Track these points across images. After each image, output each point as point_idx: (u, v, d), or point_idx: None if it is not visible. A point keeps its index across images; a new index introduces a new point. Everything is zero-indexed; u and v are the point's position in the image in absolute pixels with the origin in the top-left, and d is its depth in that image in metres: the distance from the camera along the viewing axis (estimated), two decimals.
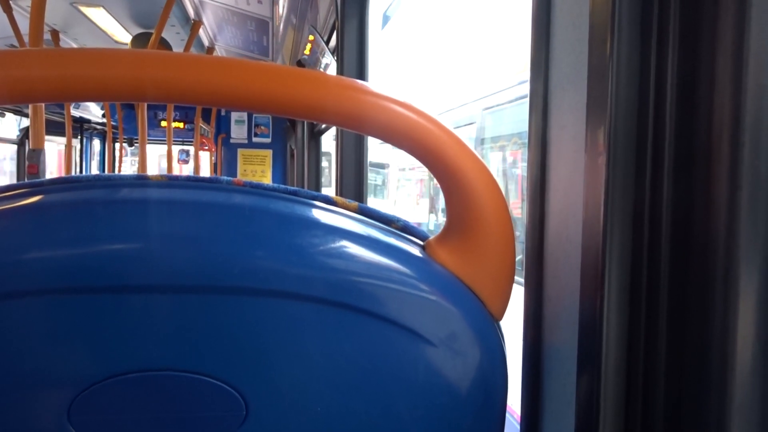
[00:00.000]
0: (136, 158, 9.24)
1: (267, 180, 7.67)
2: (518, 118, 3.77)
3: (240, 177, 7.60)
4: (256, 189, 0.56)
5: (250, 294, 0.49)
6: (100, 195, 0.53)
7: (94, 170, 9.56)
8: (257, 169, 7.61)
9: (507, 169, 4.09)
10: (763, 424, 0.40)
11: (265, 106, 0.49)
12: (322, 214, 0.55)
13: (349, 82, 0.50)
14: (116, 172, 8.06)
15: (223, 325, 0.49)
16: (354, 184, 1.99)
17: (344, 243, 0.52)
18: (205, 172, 8.66)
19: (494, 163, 4.03)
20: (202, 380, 0.48)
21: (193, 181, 0.56)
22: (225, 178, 0.57)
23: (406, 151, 0.53)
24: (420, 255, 0.55)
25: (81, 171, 9.14)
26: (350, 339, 0.51)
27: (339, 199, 0.58)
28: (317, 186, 4.46)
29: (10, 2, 4.02)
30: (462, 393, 0.54)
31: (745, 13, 0.38)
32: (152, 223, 0.50)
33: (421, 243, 0.57)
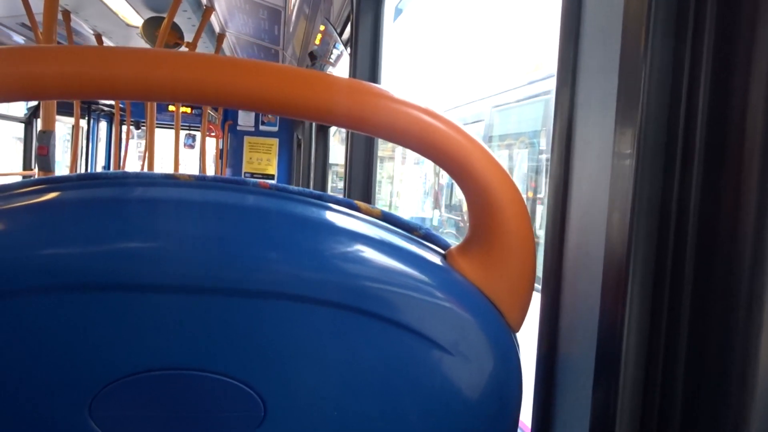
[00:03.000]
0: (143, 141, 9.24)
1: (272, 169, 7.67)
2: (527, 117, 3.77)
3: (245, 164, 7.61)
4: (282, 192, 0.56)
5: (270, 297, 0.49)
6: (126, 193, 0.53)
7: (101, 152, 9.55)
8: (263, 157, 7.61)
9: (514, 167, 4.09)
10: None
11: (277, 107, 0.48)
12: (345, 220, 0.55)
13: (369, 86, 0.50)
14: (122, 154, 8.06)
15: (244, 327, 0.49)
16: (363, 184, 1.99)
17: (366, 249, 0.52)
18: (211, 157, 8.66)
19: (503, 159, 4.04)
20: (222, 380, 0.49)
21: (221, 182, 0.56)
22: (252, 180, 0.57)
23: (429, 158, 0.53)
24: (440, 264, 0.55)
25: (87, 153, 9.14)
26: (367, 344, 0.51)
27: (363, 204, 0.58)
28: (323, 179, 4.46)
29: None
30: (476, 402, 0.54)
31: None
32: (177, 224, 0.50)
33: (442, 252, 0.57)
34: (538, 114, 3.47)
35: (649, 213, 0.46)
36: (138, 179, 0.54)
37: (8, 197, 0.51)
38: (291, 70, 0.49)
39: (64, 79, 0.46)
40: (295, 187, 0.57)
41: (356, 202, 0.58)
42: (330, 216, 0.55)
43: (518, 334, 0.58)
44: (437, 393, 0.53)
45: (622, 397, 0.48)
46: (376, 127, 0.50)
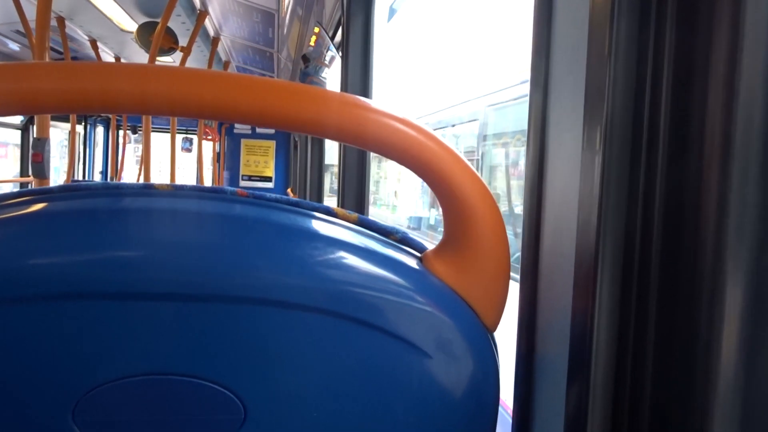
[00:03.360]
0: (140, 145, 9.23)
1: (269, 171, 7.68)
2: (521, 116, 3.84)
3: (242, 167, 7.62)
4: (259, 200, 0.58)
5: (250, 303, 0.50)
6: (108, 203, 0.54)
7: (98, 157, 9.56)
8: (260, 159, 7.62)
9: (510, 165, 4.12)
10: None
11: (268, 121, 0.50)
12: (322, 226, 0.56)
13: (350, 98, 0.52)
14: (119, 159, 8.07)
15: (224, 333, 0.50)
16: (356, 195, 2.00)
17: (343, 254, 0.53)
18: (208, 161, 8.67)
19: (498, 158, 4.09)
20: (202, 384, 0.50)
21: (199, 191, 0.58)
22: (229, 188, 0.59)
23: (404, 165, 0.54)
24: (417, 267, 0.56)
25: (85, 158, 9.15)
26: (347, 348, 0.52)
27: (340, 210, 0.59)
28: (320, 180, 4.47)
29: None
30: (455, 403, 0.56)
31: (739, 13, 0.40)
32: (158, 233, 0.51)
33: (418, 255, 0.59)
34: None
35: (617, 207, 0.48)
36: (118, 190, 0.56)
37: None
38: (280, 84, 0.51)
39: (59, 94, 0.47)
40: (273, 195, 0.58)
41: (333, 208, 0.60)
42: (307, 222, 0.56)
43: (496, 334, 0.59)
44: (416, 394, 0.54)
45: (594, 389, 0.50)
46: (351, 135, 0.52)
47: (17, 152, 7.74)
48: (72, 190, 0.55)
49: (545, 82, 0.58)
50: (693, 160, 0.43)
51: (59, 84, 0.47)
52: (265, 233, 0.53)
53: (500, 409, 0.60)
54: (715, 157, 0.41)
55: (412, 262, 0.56)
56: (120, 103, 0.48)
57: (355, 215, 0.60)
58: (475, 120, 4.51)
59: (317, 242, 0.54)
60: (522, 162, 3.83)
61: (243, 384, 0.51)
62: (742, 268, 0.41)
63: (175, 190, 0.57)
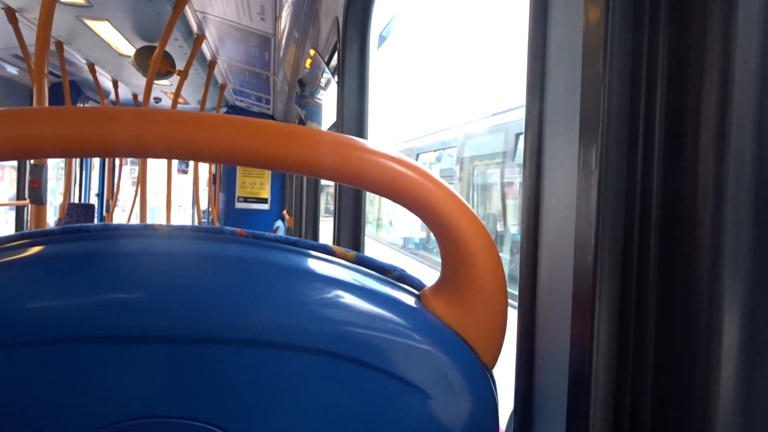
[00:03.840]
0: (136, 167, 9.24)
1: (265, 193, 7.68)
2: (488, 144, 4.56)
3: (238, 189, 7.62)
4: (258, 239, 0.58)
5: (249, 345, 0.50)
6: (107, 246, 0.55)
7: (95, 179, 9.55)
8: (256, 181, 7.63)
9: (475, 177, 4.91)
10: None
11: (264, 163, 0.51)
12: (320, 265, 0.57)
13: (345, 139, 0.52)
14: (115, 182, 8.06)
15: (222, 375, 0.50)
16: (352, 234, 2.01)
17: (341, 294, 0.54)
18: (204, 182, 8.67)
19: (467, 173, 5.02)
20: (201, 427, 0.50)
21: (197, 231, 0.58)
22: (228, 228, 0.59)
23: (401, 205, 0.55)
24: (414, 305, 0.56)
25: (81, 182, 9.14)
26: (345, 388, 0.52)
27: (338, 248, 0.60)
28: (315, 201, 4.48)
29: (16, 14, 4.06)
30: None
31: (731, 32, 0.41)
32: (156, 276, 0.52)
33: (416, 292, 0.59)
34: (499, 140, 4.16)
35: (614, 224, 0.49)
36: (117, 231, 0.56)
37: None
38: (276, 126, 0.51)
39: (58, 140, 0.48)
40: (271, 234, 0.59)
41: (331, 246, 0.60)
42: (305, 262, 0.57)
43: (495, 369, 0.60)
44: None
45: (594, 416, 0.50)
46: (352, 177, 0.53)
47: (13, 174, 7.73)
48: (71, 232, 0.55)
49: (540, 102, 0.59)
50: (690, 174, 0.43)
51: (57, 130, 0.48)
52: (263, 274, 0.54)
53: None
54: (711, 170, 0.42)
55: (410, 301, 0.57)
56: (118, 147, 0.49)
57: (353, 253, 0.60)
58: (454, 147, 5.36)
59: (315, 282, 0.54)
60: (489, 177, 4.50)
61: (242, 426, 0.51)
62: (739, 285, 0.41)
63: (174, 231, 0.58)
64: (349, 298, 0.54)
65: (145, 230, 0.57)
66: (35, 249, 0.53)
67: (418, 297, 0.58)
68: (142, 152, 0.50)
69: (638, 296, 0.48)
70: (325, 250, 0.59)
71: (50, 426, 0.49)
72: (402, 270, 0.61)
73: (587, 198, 0.50)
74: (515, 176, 4.08)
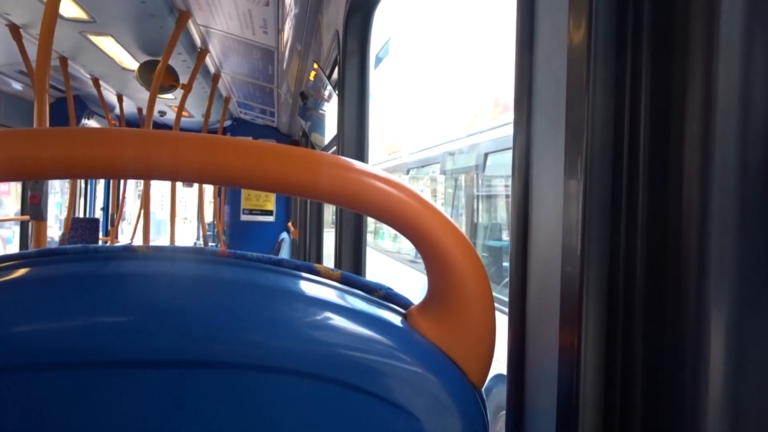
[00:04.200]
0: (141, 181, 9.28)
1: (270, 204, 7.70)
2: (463, 160, 5.32)
3: (243, 201, 7.64)
4: (240, 260, 0.57)
5: (232, 368, 0.49)
6: (86, 269, 0.54)
7: (100, 194, 9.60)
8: (261, 194, 7.64)
9: (455, 184, 5.67)
10: None
11: (263, 185, 0.51)
12: (304, 285, 0.56)
13: (329, 158, 0.52)
14: (120, 196, 8.10)
15: (208, 399, 0.49)
16: (353, 257, 2.01)
17: (326, 315, 0.53)
18: (209, 195, 8.70)
19: (450, 182, 5.91)
20: None
21: (178, 252, 0.57)
22: (210, 248, 0.58)
23: (386, 224, 0.54)
24: (401, 325, 0.55)
25: (86, 196, 9.19)
26: (331, 411, 0.51)
27: (322, 267, 0.59)
28: (320, 213, 4.48)
29: (20, 30, 4.09)
30: None
31: (712, 59, 0.41)
32: (136, 299, 0.51)
33: (402, 311, 0.58)
34: (472, 157, 4.93)
35: (600, 231, 0.49)
36: (97, 254, 0.55)
37: None
38: (276, 149, 0.51)
39: (62, 161, 0.48)
40: (254, 254, 0.58)
41: (315, 265, 0.59)
42: (289, 283, 0.56)
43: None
44: None
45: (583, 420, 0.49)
46: (337, 197, 0.52)
47: (19, 188, 7.79)
48: (50, 254, 0.55)
49: (528, 120, 0.59)
50: (675, 180, 0.43)
51: (59, 152, 0.48)
52: (245, 296, 0.53)
53: None
54: (694, 183, 0.42)
55: (397, 320, 0.56)
56: (120, 170, 0.49)
57: (338, 272, 0.59)
58: (437, 162, 6.18)
59: (299, 303, 0.53)
60: (465, 184, 5.21)
61: None
62: (726, 291, 0.41)
63: (155, 252, 0.57)
64: (335, 319, 0.53)
65: (125, 252, 0.56)
66: (15, 273, 0.52)
67: (404, 316, 0.57)
68: (144, 175, 0.50)
69: (625, 304, 0.48)
70: (309, 269, 0.58)
71: None
72: (388, 288, 0.60)
73: (574, 205, 0.49)
74: (485, 184, 4.76)
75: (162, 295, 0.52)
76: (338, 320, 0.53)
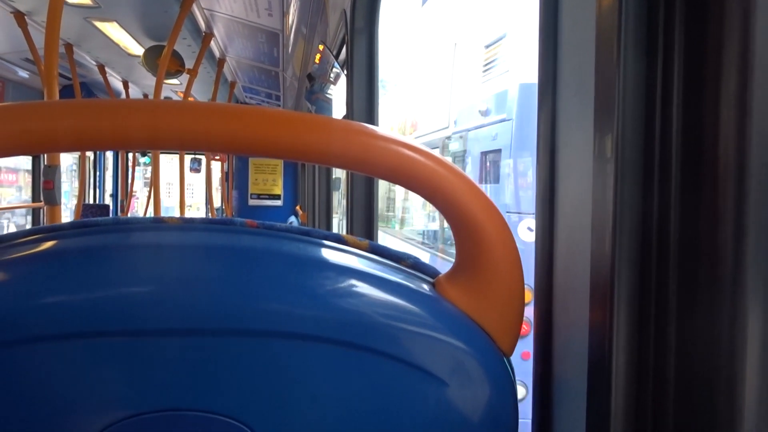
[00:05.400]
0: (149, 167, 9.31)
1: (278, 189, 7.70)
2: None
3: (251, 185, 7.65)
4: (269, 230, 0.57)
5: (262, 336, 0.50)
6: (118, 240, 0.54)
7: (109, 180, 9.63)
8: (268, 178, 7.64)
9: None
10: None
11: (276, 152, 0.50)
12: (333, 254, 0.56)
13: (357, 126, 0.51)
14: (129, 181, 8.12)
15: (237, 366, 0.50)
16: (364, 221, 2.00)
17: (354, 283, 0.53)
18: (217, 180, 8.71)
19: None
20: (216, 419, 0.49)
21: (208, 224, 0.58)
22: (239, 219, 0.58)
23: (413, 191, 0.54)
24: (429, 293, 0.55)
25: (95, 182, 9.22)
26: (360, 377, 0.52)
27: (350, 237, 0.59)
28: (328, 195, 4.48)
29: (25, 17, 4.08)
30: (472, 428, 0.55)
31: (749, 19, 0.39)
32: (168, 269, 0.51)
33: (431, 280, 0.58)
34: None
35: (631, 212, 0.48)
36: (128, 225, 0.56)
37: (4, 249, 0.52)
38: (288, 115, 0.51)
39: (71, 133, 0.48)
40: (282, 224, 0.58)
41: (343, 235, 0.59)
42: (318, 252, 0.56)
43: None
44: (432, 422, 0.53)
45: (615, 406, 0.49)
46: (362, 164, 0.52)
47: (28, 178, 7.82)
48: (82, 227, 0.55)
49: (553, 92, 0.58)
50: (710, 158, 0.42)
51: (71, 123, 0.48)
52: (275, 265, 0.53)
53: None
54: (731, 160, 0.40)
55: (425, 288, 0.56)
56: (131, 139, 0.49)
57: (366, 242, 0.59)
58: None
59: (328, 272, 0.54)
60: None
61: (257, 417, 0.50)
62: (763, 271, 0.40)
63: (185, 224, 0.57)
64: (363, 287, 0.53)
65: (155, 223, 0.56)
66: (48, 244, 0.52)
67: (432, 284, 0.57)
68: (155, 144, 0.50)
69: (658, 283, 0.47)
70: (337, 239, 0.58)
71: (67, 421, 0.49)
72: (416, 258, 0.60)
73: (603, 186, 0.49)
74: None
75: (192, 265, 0.52)
76: (367, 288, 0.53)
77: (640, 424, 0.49)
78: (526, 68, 3.96)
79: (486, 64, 4.74)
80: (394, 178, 0.53)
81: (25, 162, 7.68)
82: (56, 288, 0.49)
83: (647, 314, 0.47)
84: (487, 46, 4.74)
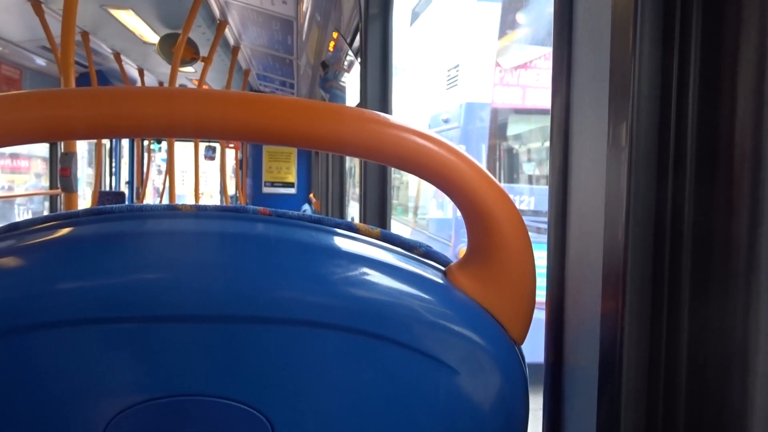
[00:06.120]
0: (164, 154, 9.37)
1: (291, 177, 7.73)
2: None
3: (265, 173, 7.68)
4: (281, 218, 0.57)
5: (274, 323, 0.50)
6: (132, 227, 0.55)
7: (124, 167, 9.72)
8: (282, 166, 7.67)
9: None
10: None
11: (290, 140, 0.50)
12: (344, 242, 0.56)
13: (370, 114, 0.51)
14: (144, 169, 8.19)
15: (250, 353, 0.50)
16: (378, 208, 2.00)
17: (366, 271, 0.53)
18: (231, 168, 8.76)
19: None
20: (229, 405, 0.50)
21: (221, 211, 0.58)
22: (252, 207, 0.59)
23: (424, 179, 0.54)
24: (441, 281, 0.55)
25: (111, 170, 9.31)
26: (371, 365, 0.52)
27: (362, 225, 0.59)
28: (342, 184, 4.49)
29: (42, 5, 4.11)
30: (483, 417, 0.55)
31: (767, 9, 0.38)
32: (182, 255, 0.51)
33: (442, 269, 0.58)
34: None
35: (645, 202, 0.47)
36: (142, 212, 0.56)
37: (20, 235, 0.53)
38: (302, 103, 0.51)
39: (88, 121, 0.48)
40: (295, 212, 0.58)
41: (355, 223, 0.59)
42: (330, 239, 0.56)
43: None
44: (443, 411, 0.54)
45: (626, 399, 0.49)
46: (373, 152, 0.52)
47: (41, 165, 7.92)
48: (97, 213, 0.56)
49: (568, 79, 0.57)
50: (726, 146, 0.41)
51: (88, 110, 0.48)
52: (288, 252, 0.53)
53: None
54: (747, 151, 0.40)
55: (437, 277, 0.56)
56: (148, 127, 0.49)
57: (377, 230, 0.59)
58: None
59: (340, 259, 0.54)
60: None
61: (270, 403, 0.51)
62: None
63: (198, 211, 0.57)
64: (374, 276, 0.53)
65: (169, 210, 0.57)
66: (63, 231, 0.53)
67: (444, 273, 0.57)
68: (171, 131, 0.50)
69: (671, 274, 0.46)
70: (349, 227, 0.58)
71: (82, 405, 0.49)
72: (428, 246, 0.60)
73: (617, 175, 0.48)
74: None
75: (205, 251, 0.52)
76: (378, 276, 0.53)
77: (651, 415, 0.49)
78: (473, 90, 5.34)
79: (449, 81, 5.83)
80: (407, 167, 0.53)
81: (41, 149, 7.77)
82: (72, 274, 0.49)
83: (660, 306, 0.47)
84: (449, 70, 5.85)
